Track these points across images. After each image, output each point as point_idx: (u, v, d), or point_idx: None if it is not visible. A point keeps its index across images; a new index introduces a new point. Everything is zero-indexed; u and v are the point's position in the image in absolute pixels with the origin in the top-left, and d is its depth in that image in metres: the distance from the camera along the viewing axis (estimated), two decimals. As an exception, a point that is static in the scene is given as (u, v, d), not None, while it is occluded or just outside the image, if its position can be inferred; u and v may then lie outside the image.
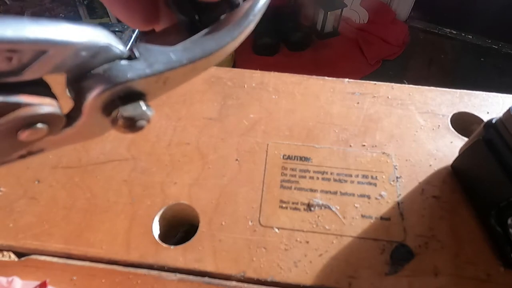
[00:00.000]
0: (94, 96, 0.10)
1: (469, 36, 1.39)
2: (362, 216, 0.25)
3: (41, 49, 0.09)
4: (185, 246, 0.24)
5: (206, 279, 0.23)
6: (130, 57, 0.11)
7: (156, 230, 0.25)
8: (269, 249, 0.23)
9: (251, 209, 0.25)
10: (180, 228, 0.27)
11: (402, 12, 1.44)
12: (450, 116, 0.31)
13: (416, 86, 0.34)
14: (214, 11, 0.13)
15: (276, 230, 0.24)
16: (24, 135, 0.10)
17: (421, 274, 0.23)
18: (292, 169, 0.27)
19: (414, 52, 1.37)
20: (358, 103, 0.32)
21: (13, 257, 0.23)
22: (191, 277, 0.23)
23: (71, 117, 0.11)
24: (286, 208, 0.25)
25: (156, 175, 0.27)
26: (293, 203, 0.26)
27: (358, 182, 0.27)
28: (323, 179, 0.27)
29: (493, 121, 0.23)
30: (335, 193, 0.26)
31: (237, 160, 0.28)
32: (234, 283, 0.22)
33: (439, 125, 0.30)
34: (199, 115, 0.31)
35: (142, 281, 0.22)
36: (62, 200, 0.26)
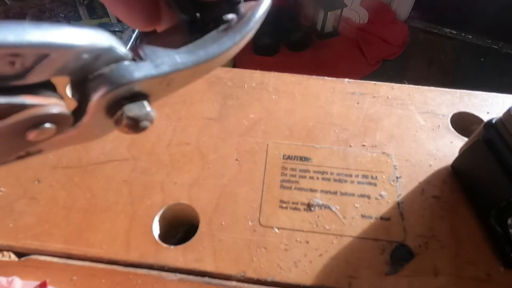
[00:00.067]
0: (99, 96, 0.10)
1: (469, 36, 1.39)
2: (362, 216, 0.25)
3: (43, 52, 0.09)
4: (185, 246, 0.24)
5: (206, 279, 0.23)
6: (135, 58, 0.11)
7: (156, 230, 0.25)
8: (269, 249, 0.23)
9: (251, 209, 0.25)
10: (180, 228, 0.27)
11: (402, 12, 1.44)
12: (450, 116, 0.31)
13: (416, 86, 0.34)
14: (215, 9, 0.13)
15: (276, 230, 0.24)
16: (32, 135, 0.10)
17: (421, 274, 0.23)
18: (292, 169, 0.27)
19: (414, 52, 1.37)
20: (358, 103, 0.32)
21: (13, 257, 0.23)
22: (191, 277, 0.23)
23: (74, 118, 0.11)
24: (286, 208, 0.25)
25: (156, 175, 0.27)
26: (293, 203, 0.26)
27: (358, 182, 0.27)
28: (323, 179, 0.27)
29: (493, 121, 0.23)
30: (335, 193, 0.26)
31: (237, 160, 0.28)
32: (234, 283, 0.22)
33: (439, 125, 0.30)
34: (199, 115, 0.31)
35: (142, 281, 0.22)
36: (62, 200, 0.26)
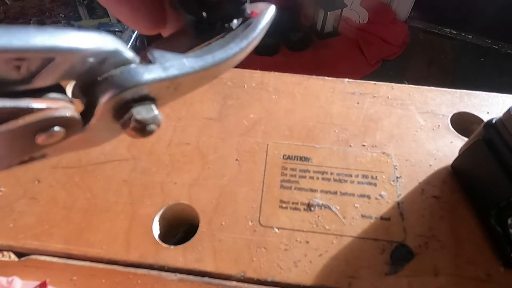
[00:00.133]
0: (108, 98, 0.10)
1: (469, 36, 1.39)
2: (362, 216, 0.25)
3: (47, 56, 0.09)
4: (185, 246, 0.24)
5: (206, 279, 0.23)
6: (142, 62, 0.11)
7: (156, 230, 0.25)
8: (269, 249, 0.23)
9: (251, 209, 0.25)
10: (180, 228, 0.27)
11: (402, 12, 1.44)
12: (450, 116, 0.31)
13: (416, 86, 0.34)
14: (220, 9, 0.14)
15: (276, 230, 0.24)
16: (41, 139, 0.10)
17: (421, 274, 0.23)
18: (292, 169, 0.27)
19: (414, 52, 1.37)
20: (358, 103, 0.32)
21: (13, 257, 0.23)
22: (191, 277, 0.23)
23: (83, 121, 0.11)
24: (286, 208, 0.25)
25: (156, 175, 0.27)
26: (293, 203, 0.26)
27: (358, 182, 0.27)
28: (323, 179, 0.27)
29: (493, 121, 0.23)
30: (335, 193, 0.26)
31: (237, 160, 0.28)
32: (234, 283, 0.22)
33: (439, 125, 0.30)
34: (199, 115, 0.31)
35: (142, 281, 0.22)
36: (62, 200, 0.26)
